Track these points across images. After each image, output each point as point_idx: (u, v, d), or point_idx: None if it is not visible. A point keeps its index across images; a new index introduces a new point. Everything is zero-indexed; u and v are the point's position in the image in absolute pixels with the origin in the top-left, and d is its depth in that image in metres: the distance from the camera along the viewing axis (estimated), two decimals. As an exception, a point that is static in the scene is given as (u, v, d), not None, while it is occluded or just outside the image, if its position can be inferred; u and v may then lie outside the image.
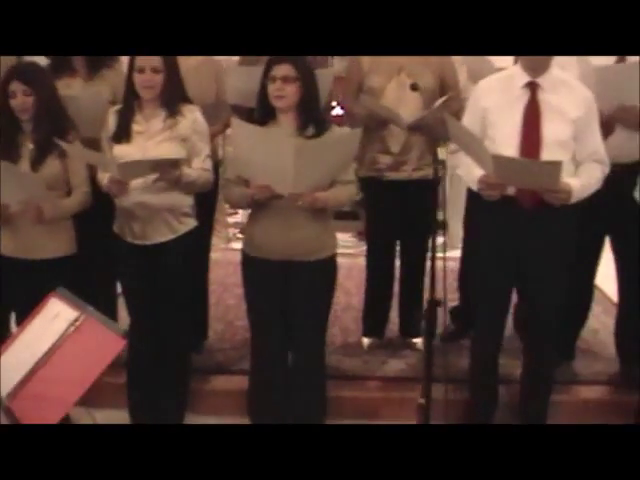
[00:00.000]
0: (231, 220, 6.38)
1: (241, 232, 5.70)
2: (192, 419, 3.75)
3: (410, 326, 4.23)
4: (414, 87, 3.09)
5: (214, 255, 4.57)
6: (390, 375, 3.96)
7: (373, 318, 4.28)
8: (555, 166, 3.00)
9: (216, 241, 5.30)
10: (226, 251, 5.64)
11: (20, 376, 2.13)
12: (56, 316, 2.25)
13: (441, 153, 2.86)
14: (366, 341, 4.29)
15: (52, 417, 2.01)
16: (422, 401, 2.78)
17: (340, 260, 5.40)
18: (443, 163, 2.85)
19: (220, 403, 3.85)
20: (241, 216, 6.14)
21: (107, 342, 2.05)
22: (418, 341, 4.23)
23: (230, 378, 3.95)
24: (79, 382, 2.01)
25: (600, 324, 4.53)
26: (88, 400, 3.66)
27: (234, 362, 4.04)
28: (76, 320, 2.17)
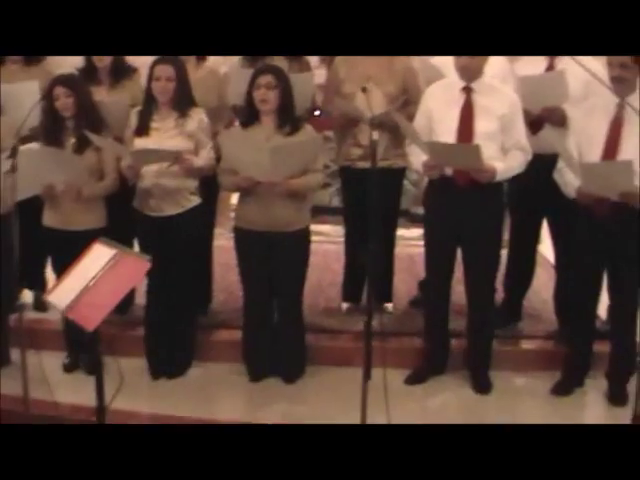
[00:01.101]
0: (234, 214, 7.36)
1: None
2: (197, 365, 4.78)
3: (382, 293, 5.21)
4: (364, 90, 4.12)
5: (219, 242, 5.55)
6: (361, 330, 4.92)
7: (350, 287, 5.25)
8: (474, 148, 4.03)
9: (221, 231, 6.30)
10: (229, 239, 6.62)
11: (75, 294, 3.14)
12: (100, 254, 3.27)
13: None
14: (344, 305, 5.28)
15: (97, 318, 3.02)
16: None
17: (330, 247, 6.41)
18: (375, 143, 3.81)
19: (220, 352, 4.87)
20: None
21: (138, 266, 3.07)
22: (389, 305, 5.24)
23: (229, 332, 4.96)
24: (118, 293, 3.03)
25: (549, 296, 5.41)
26: (114, 350, 4.71)
27: (233, 320, 5.00)
28: (115, 255, 3.18)
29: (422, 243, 6.47)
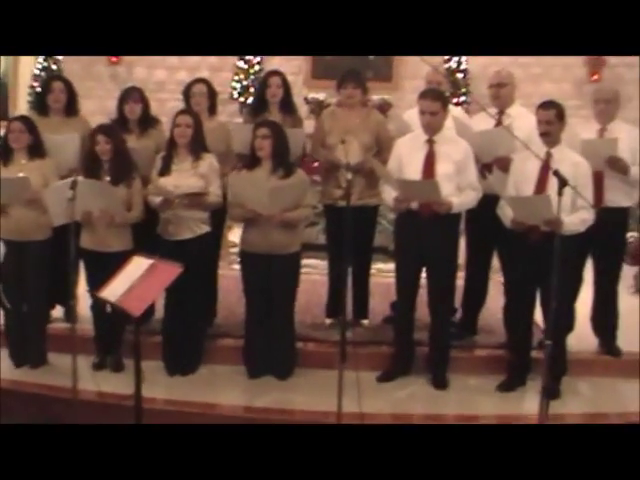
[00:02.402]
0: (232, 250, 8.55)
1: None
2: (204, 367, 5.89)
3: (359, 311, 6.35)
4: (342, 141, 5.31)
5: (221, 272, 6.69)
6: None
7: (332, 306, 6.37)
8: (433, 182, 5.24)
9: (222, 263, 7.46)
10: (229, 270, 7.76)
11: (123, 290, 4.27)
12: (140, 263, 4.41)
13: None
14: (327, 321, 6.41)
15: (141, 307, 4.16)
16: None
17: (317, 277, 7.47)
18: (350, 183, 5.01)
19: (223, 356, 6.00)
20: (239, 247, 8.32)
21: (171, 270, 4.22)
22: (365, 321, 6.37)
23: (230, 340, 6.11)
24: (157, 289, 4.17)
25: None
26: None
27: (233, 331, 6.14)
28: (153, 263, 4.33)
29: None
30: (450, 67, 11.26)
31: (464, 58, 11.25)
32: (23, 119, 5.74)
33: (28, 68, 10.32)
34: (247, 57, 10.90)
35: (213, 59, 10.96)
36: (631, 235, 8.33)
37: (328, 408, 5.00)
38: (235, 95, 10.87)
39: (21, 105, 10.34)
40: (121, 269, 4.50)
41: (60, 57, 10.23)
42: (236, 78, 11.01)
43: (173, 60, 10.92)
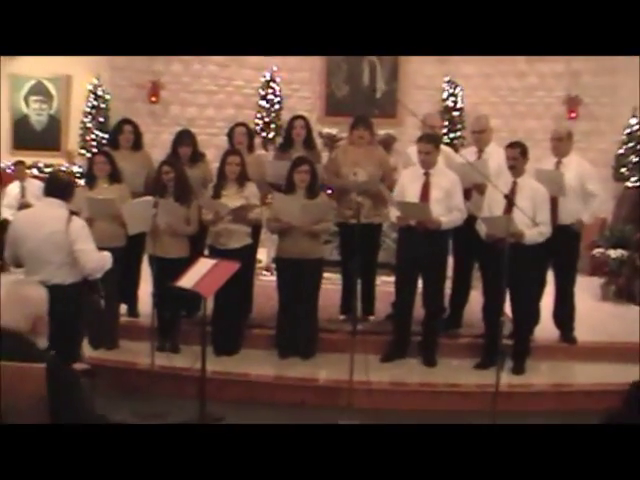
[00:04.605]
0: (258, 265, 10.32)
1: (266, 269, 9.78)
2: (244, 350, 7.62)
3: (367, 309, 8.09)
4: (355, 174, 7.09)
5: (253, 280, 8.47)
6: (351, 330, 7.74)
7: (345, 304, 8.11)
8: (424, 205, 6.99)
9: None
10: (257, 280, 9.46)
11: (197, 279, 6.00)
12: (206, 262, 6.16)
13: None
14: (341, 317, 8.15)
15: (210, 291, 5.94)
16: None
17: (331, 287, 9.11)
18: (359, 204, 6.82)
19: (258, 342, 7.75)
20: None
21: (231, 265, 5.98)
22: (371, 317, 8.10)
23: (263, 330, 7.88)
24: (221, 279, 5.92)
25: (483, 313, 8.31)
26: (187, 340, 7.52)
27: (265, 323, 7.92)
28: (215, 262, 6.08)
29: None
30: (447, 105, 13.09)
31: (459, 97, 13.08)
32: (104, 153, 7.54)
33: (79, 106, 12.22)
34: (269, 97, 12.78)
35: (238, 98, 12.87)
36: (597, 251, 10.15)
37: (341, 376, 6.73)
38: (258, 130, 12.70)
39: (72, 138, 12.24)
40: (190, 267, 6.23)
41: (108, 96, 12.13)
42: (259, 115, 12.88)
43: (203, 99, 12.82)
